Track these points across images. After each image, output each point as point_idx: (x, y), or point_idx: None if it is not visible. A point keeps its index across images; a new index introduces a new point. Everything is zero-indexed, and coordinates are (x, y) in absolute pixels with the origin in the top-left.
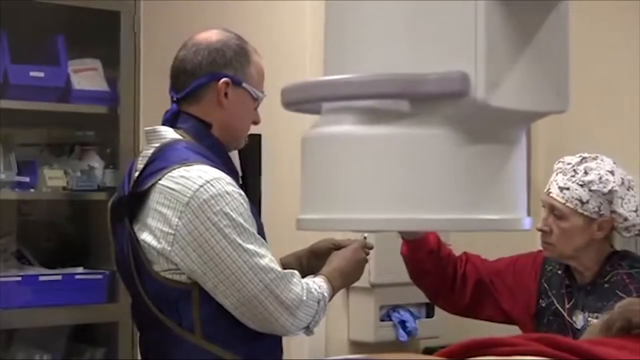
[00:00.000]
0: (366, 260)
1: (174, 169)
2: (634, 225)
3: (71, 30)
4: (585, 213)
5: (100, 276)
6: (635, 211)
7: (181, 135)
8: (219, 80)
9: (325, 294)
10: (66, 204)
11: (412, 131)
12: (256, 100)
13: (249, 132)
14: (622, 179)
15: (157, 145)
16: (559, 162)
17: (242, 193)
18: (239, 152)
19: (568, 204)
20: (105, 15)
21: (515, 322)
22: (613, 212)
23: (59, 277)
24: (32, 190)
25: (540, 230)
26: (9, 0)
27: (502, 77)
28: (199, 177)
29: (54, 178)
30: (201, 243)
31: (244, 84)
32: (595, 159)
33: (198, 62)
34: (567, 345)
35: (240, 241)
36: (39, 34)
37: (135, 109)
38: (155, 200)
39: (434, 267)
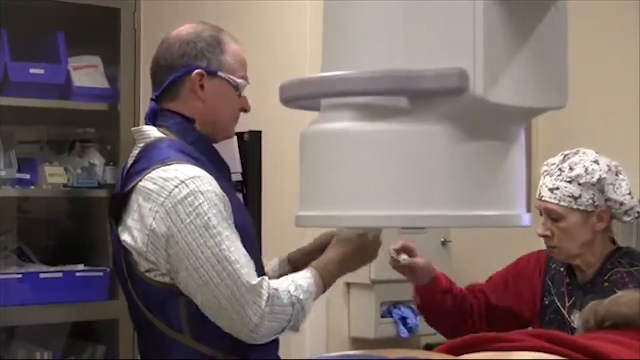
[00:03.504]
0: (378, 244)
1: (154, 170)
2: (632, 209)
3: (71, 27)
4: (581, 208)
5: (101, 273)
6: (630, 194)
7: (164, 134)
8: (192, 72)
9: (302, 297)
10: (67, 201)
11: (411, 128)
12: (238, 88)
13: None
14: (608, 165)
15: (142, 145)
16: (544, 165)
17: (220, 193)
18: (240, 149)
19: (562, 204)
20: (105, 13)
21: (527, 322)
22: (608, 200)
23: (60, 275)
24: (32, 187)
25: (542, 236)
26: None
27: (501, 74)
28: (176, 177)
29: (55, 175)
30: (173, 243)
31: (220, 74)
32: (577, 153)
33: (170, 58)
34: (566, 341)
35: (211, 244)
36: (39, 31)
37: (135, 106)
38: (136, 202)
39: (451, 306)
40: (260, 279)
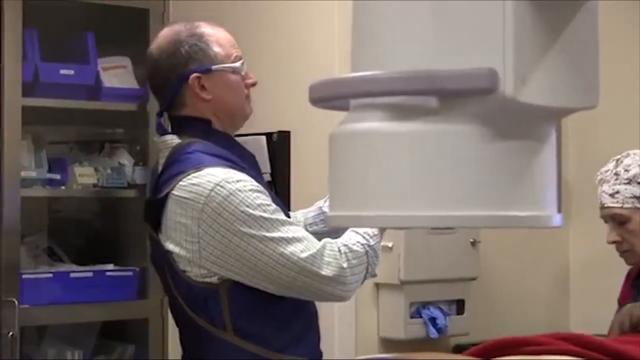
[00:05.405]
0: None
1: (186, 177)
2: None
3: (101, 28)
4: None
5: (130, 273)
6: None
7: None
8: (187, 79)
9: (371, 242)
10: (96, 201)
11: (440, 127)
12: (236, 71)
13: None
14: None
15: (169, 150)
16: (597, 175)
17: (253, 184)
18: (268, 149)
19: (625, 206)
20: (134, 13)
21: None
22: None
23: (90, 274)
24: (62, 187)
25: (612, 242)
26: None
27: (531, 73)
28: (208, 181)
29: (84, 175)
30: (226, 245)
31: (214, 67)
32: (627, 156)
33: (163, 73)
34: (595, 344)
35: (263, 234)
36: (69, 32)
37: None
38: (172, 212)
39: None
40: (322, 242)
